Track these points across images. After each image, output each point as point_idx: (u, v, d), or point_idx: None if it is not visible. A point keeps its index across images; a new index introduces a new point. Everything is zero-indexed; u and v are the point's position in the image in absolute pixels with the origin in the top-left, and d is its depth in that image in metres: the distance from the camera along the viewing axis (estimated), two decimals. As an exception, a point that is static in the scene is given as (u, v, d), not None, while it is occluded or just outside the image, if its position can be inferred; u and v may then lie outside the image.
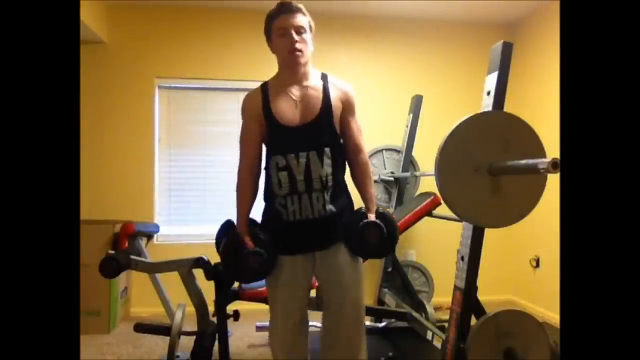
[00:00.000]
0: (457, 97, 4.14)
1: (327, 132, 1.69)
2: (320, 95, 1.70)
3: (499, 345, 1.75)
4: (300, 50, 1.67)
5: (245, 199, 1.76)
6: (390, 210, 3.45)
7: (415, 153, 3.70)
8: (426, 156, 3.63)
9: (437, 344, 2.69)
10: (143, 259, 2.61)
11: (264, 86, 1.76)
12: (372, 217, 1.69)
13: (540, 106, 3.83)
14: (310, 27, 1.73)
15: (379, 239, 1.67)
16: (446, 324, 1.96)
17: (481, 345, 1.74)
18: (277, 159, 1.68)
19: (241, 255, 1.65)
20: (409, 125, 3.61)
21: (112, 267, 2.22)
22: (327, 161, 1.67)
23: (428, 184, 3.63)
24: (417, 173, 3.59)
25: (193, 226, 3.95)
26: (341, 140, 1.77)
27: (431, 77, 4.21)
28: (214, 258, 2.41)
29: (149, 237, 3.42)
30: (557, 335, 1.64)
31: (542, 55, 3.88)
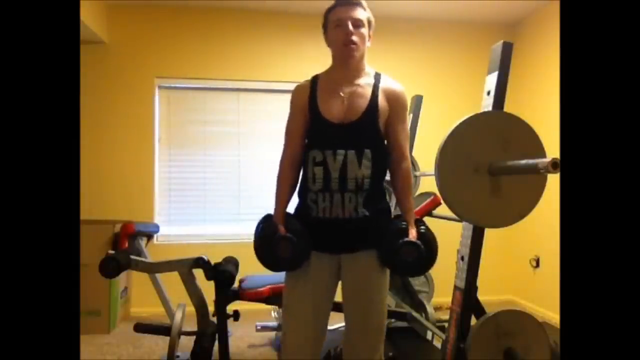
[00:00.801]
0: (457, 97, 4.14)
1: (369, 132, 1.62)
2: (369, 94, 1.64)
3: (499, 345, 1.75)
4: (355, 43, 1.61)
5: (283, 190, 1.71)
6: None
7: (415, 153, 3.69)
8: (426, 156, 3.61)
9: (437, 344, 2.69)
10: (143, 259, 2.61)
11: (315, 79, 1.72)
12: (413, 232, 1.60)
13: (540, 106, 3.83)
14: (370, 23, 1.68)
15: (417, 261, 1.57)
16: (446, 324, 1.95)
17: (481, 345, 1.74)
18: (315, 154, 1.63)
19: (273, 242, 1.59)
20: (409, 125, 3.61)
21: (112, 267, 2.22)
22: (367, 163, 1.59)
23: (428, 184, 3.63)
24: (417, 173, 3.59)
25: (193, 226, 3.92)
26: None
27: (431, 77, 4.21)
28: (214, 258, 2.42)
29: (149, 237, 3.43)
30: (557, 335, 1.64)
31: (542, 55, 3.88)
